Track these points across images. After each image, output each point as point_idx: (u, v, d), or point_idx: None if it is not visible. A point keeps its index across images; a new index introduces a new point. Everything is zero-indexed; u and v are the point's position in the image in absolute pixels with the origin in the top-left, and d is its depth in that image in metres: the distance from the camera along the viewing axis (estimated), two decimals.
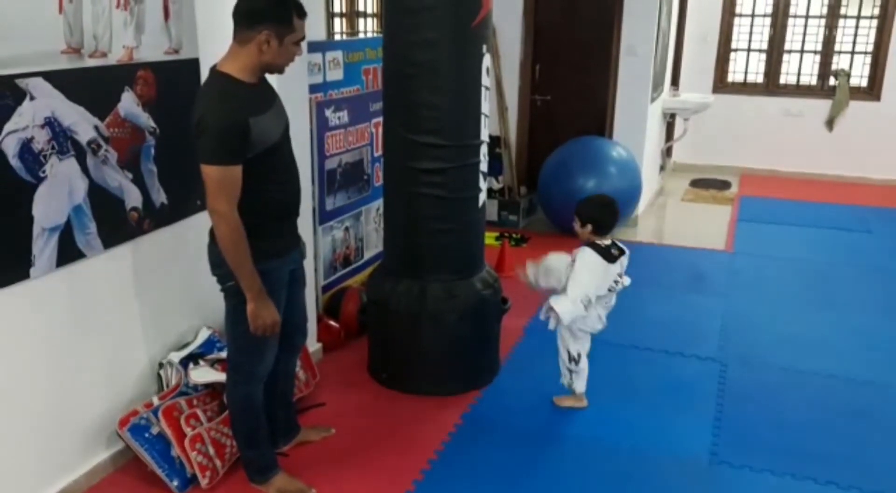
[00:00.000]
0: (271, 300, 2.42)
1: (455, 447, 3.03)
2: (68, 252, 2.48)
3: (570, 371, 3.31)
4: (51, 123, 2.34)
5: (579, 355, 3.26)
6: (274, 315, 2.43)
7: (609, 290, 3.16)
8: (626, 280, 3.22)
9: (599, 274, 3.10)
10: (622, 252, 3.17)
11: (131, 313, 2.83)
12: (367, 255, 4.49)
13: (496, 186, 6.20)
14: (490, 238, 5.13)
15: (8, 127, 2.20)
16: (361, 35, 5.57)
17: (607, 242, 3.14)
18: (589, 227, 3.11)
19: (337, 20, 5.21)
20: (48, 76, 2.31)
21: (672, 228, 6.40)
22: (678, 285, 4.88)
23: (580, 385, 3.33)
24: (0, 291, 2.27)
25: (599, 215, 3.13)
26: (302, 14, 2.35)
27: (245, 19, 2.28)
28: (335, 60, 4.09)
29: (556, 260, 3.22)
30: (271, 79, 2.70)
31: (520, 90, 6.37)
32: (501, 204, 6.10)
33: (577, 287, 3.06)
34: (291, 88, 3.17)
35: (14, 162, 2.24)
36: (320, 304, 3.95)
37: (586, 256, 3.09)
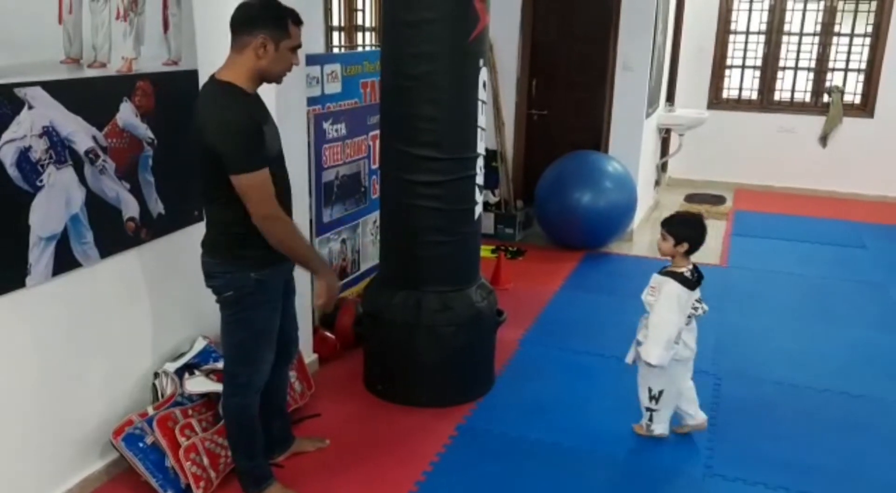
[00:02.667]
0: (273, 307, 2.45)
1: (450, 459, 3.02)
2: (65, 261, 2.48)
3: (650, 411, 3.12)
4: (49, 133, 2.36)
5: (661, 394, 3.07)
6: (338, 284, 2.55)
7: (689, 317, 3.01)
8: (705, 307, 3.10)
9: (684, 306, 2.96)
10: (701, 277, 3.04)
11: (127, 322, 2.83)
12: (364, 266, 4.50)
13: (493, 199, 6.22)
14: (486, 251, 5.15)
15: (6, 136, 2.21)
16: (360, 49, 5.60)
17: (689, 266, 3.01)
18: (685, 246, 2.96)
19: (336, 34, 5.24)
20: (47, 86, 2.33)
21: None
22: None
23: (660, 427, 3.14)
24: None
25: (697, 235, 2.99)
26: (297, 21, 2.39)
27: (242, 25, 2.32)
28: (333, 73, 4.12)
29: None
30: (271, 91, 2.74)
31: (517, 105, 6.41)
32: (498, 217, 6.12)
33: (664, 329, 2.91)
34: (289, 100, 3.19)
35: (11, 171, 2.25)
36: (316, 315, 3.95)
37: (671, 291, 2.93)
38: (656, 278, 3.03)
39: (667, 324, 2.91)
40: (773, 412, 3.46)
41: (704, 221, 3.10)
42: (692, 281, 2.98)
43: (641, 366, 3.08)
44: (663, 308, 2.93)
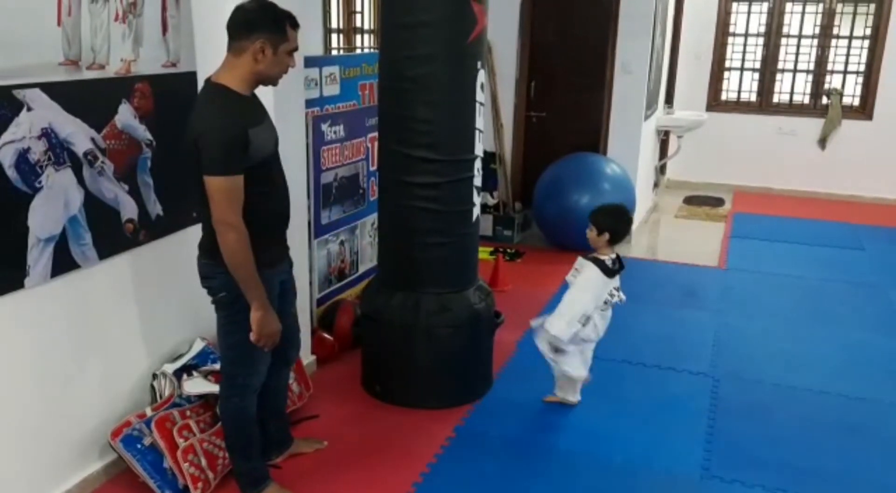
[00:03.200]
0: (273, 310, 2.44)
1: (447, 461, 3.03)
2: (63, 263, 2.49)
3: (554, 362, 3.29)
4: (48, 134, 2.36)
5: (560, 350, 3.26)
6: (277, 325, 2.46)
7: (605, 303, 3.19)
8: (622, 296, 3.25)
9: (599, 291, 3.15)
10: (622, 267, 3.22)
11: (126, 323, 2.83)
12: (363, 268, 4.51)
13: (491, 201, 6.22)
14: (485, 253, 5.15)
15: (5, 137, 2.22)
16: (358, 51, 5.61)
17: (612, 255, 3.19)
18: (606, 236, 3.15)
19: (334, 36, 5.25)
20: (46, 87, 2.34)
21: (665, 244, 6.43)
22: (671, 301, 4.90)
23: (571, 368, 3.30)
24: None
25: (617, 225, 3.18)
26: (295, 24, 2.40)
27: (240, 29, 2.32)
28: (332, 76, 4.12)
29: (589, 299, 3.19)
30: (269, 93, 2.74)
31: (515, 107, 6.42)
32: (496, 219, 6.13)
33: (576, 306, 3.11)
34: (288, 102, 3.20)
35: (10, 172, 2.25)
36: (315, 317, 3.96)
37: (589, 273, 3.14)
38: (580, 261, 3.21)
39: (577, 302, 3.11)
40: (770, 414, 3.46)
41: (629, 212, 3.31)
42: (612, 270, 3.16)
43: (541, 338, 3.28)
44: (579, 288, 3.14)
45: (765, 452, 3.15)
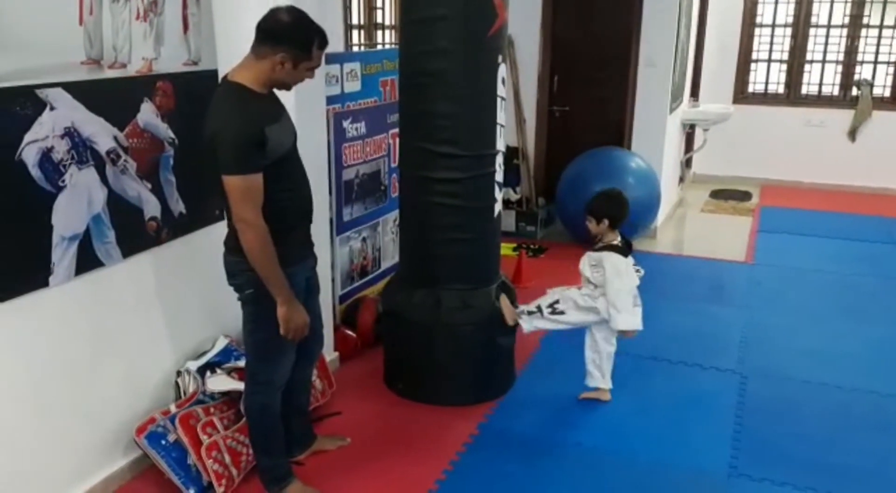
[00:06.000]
0: (300, 303, 2.44)
1: (470, 458, 3.01)
2: (87, 261, 2.51)
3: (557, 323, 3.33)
4: (70, 134, 2.38)
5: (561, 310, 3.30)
6: (304, 317, 2.47)
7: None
8: (641, 270, 3.30)
9: (629, 269, 3.20)
10: (630, 244, 3.29)
11: (150, 321, 2.85)
12: (385, 265, 4.50)
13: (514, 197, 6.19)
14: (507, 249, 5.13)
15: (28, 137, 2.24)
16: (379, 47, 5.61)
17: (617, 238, 3.23)
18: (606, 222, 3.19)
19: (355, 32, 5.25)
20: (68, 87, 2.35)
21: (692, 239, 6.34)
22: (697, 297, 4.83)
23: (609, 380, 3.39)
24: (19, 298, 2.30)
25: (615, 210, 3.22)
26: (323, 44, 2.37)
27: (266, 37, 2.30)
28: (353, 72, 4.12)
29: (562, 298, 3.29)
30: (290, 91, 2.73)
31: (538, 101, 6.37)
32: (519, 215, 6.09)
33: (621, 296, 3.13)
34: (309, 99, 3.19)
35: (34, 171, 2.27)
36: (337, 314, 3.96)
37: (612, 260, 3.15)
38: (593, 256, 3.22)
39: (621, 291, 3.13)
40: (799, 412, 3.40)
41: (623, 194, 3.33)
42: (626, 249, 3.22)
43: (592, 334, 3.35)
44: (614, 278, 3.13)
45: (794, 449, 3.09)
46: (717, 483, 2.88)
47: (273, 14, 2.33)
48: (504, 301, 3.33)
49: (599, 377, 3.41)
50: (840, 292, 4.94)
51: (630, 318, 3.17)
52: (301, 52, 2.31)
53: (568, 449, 3.09)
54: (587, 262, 3.24)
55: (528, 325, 3.31)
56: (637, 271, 3.27)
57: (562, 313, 3.25)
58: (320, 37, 2.36)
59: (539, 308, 3.29)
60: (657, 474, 2.94)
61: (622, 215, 3.25)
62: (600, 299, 3.20)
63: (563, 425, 3.28)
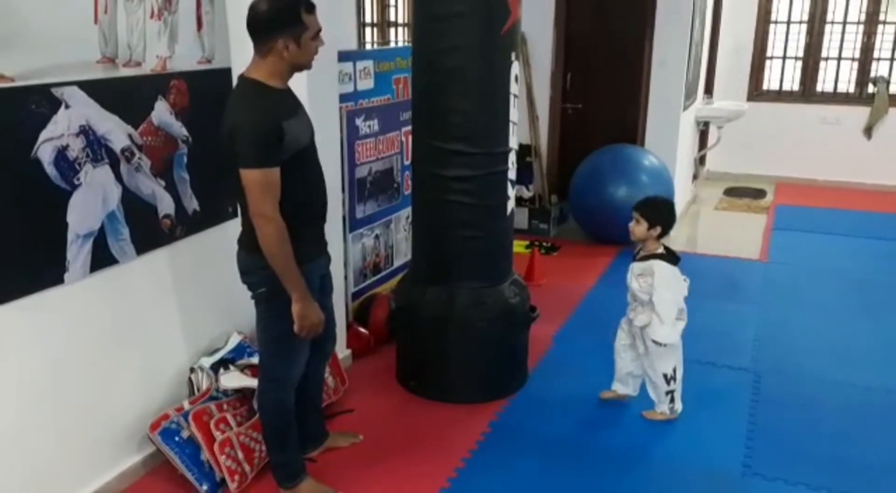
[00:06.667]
0: (314, 301, 2.45)
1: (482, 455, 3.01)
2: (102, 258, 2.53)
3: (671, 393, 3.19)
4: (85, 132, 2.40)
5: (675, 371, 3.17)
6: (319, 315, 2.46)
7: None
8: (687, 280, 3.18)
9: (679, 283, 3.09)
10: (678, 255, 3.16)
11: (164, 318, 2.87)
12: (397, 262, 4.51)
13: (527, 194, 6.18)
14: (520, 246, 5.12)
15: (44, 135, 2.26)
16: (392, 45, 5.61)
17: (661, 247, 3.12)
18: (658, 229, 3.07)
19: (368, 30, 5.26)
20: (83, 85, 2.37)
21: (706, 236, 6.31)
22: (711, 294, 4.80)
23: (679, 403, 3.24)
24: (35, 295, 2.32)
25: (670, 219, 3.13)
26: (310, 8, 2.34)
27: (258, 33, 2.30)
28: (366, 70, 4.12)
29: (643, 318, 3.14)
30: (303, 89, 2.74)
31: (551, 99, 6.36)
32: (532, 212, 6.08)
33: (667, 307, 3.03)
34: (322, 97, 3.20)
35: (49, 169, 2.29)
36: (350, 311, 3.97)
37: (663, 271, 3.04)
38: (640, 266, 3.11)
39: (667, 303, 3.04)
40: (814, 410, 3.38)
41: (673, 205, 3.25)
42: (677, 258, 3.11)
43: (649, 355, 3.17)
44: (663, 289, 3.03)
45: (808, 449, 3.07)
46: (731, 482, 2.87)
47: (252, 9, 2.31)
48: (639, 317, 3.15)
49: (657, 402, 3.26)
50: (855, 290, 4.89)
51: (670, 332, 3.06)
52: (293, 27, 2.29)
53: (581, 447, 3.09)
54: (633, 272, 3.13)
55: (675, 335, 3.11)
56: (684, 280, 3.14)
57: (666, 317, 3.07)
58: (304, 2, 2.32)
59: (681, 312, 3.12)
60: (670, 472, 2.93)
61: (672, 226, 3.15)
62: (641, 314, 3.11)
63: (576, 422, 3.27)
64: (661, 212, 3.11)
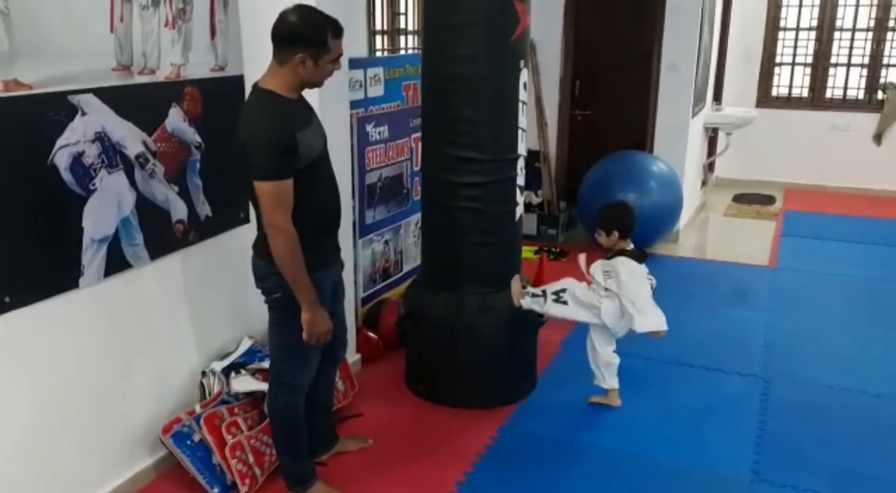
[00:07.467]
0: (324, 309, 2.47)
1: (491, 461, 3.02)
2: (116, 263, 2.56)
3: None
4: (101, 138, 2.43)
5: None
6: (328, 324, 2.49)
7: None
8: (653, 279, 3.28)
9: (644, 277, 3.20)
10: (645, 254, 3.31)
11: (176, 322, 2.90)
12: (407, 267, 4.53)
13: (535, 200, 6.19)
14: (529, 252, 5.13)
15: (60, 142, 2.29)
16: (402, 52, 5.64)
17: (630, 245, 3.25)
18: (616, 234, 3.22)
19: (378, 37, 5.29)
20: (99, 93, 2.40)
21: (714, 243, 6.32)
22: (720, 301, 4.81)
23: (613, 381, 3.39)
24: (50, 299, 2.35)
25: (623, 220, 3.26)
26: (338, 33, 2.37)
27: (281, 42, 2.33)
28: (376, 77, 4.16)
29: (569, 288, 3.27)
30: (314, 96, 2.77)
31: (559, 105, 6.37)
32: (541, 218, 6.10)
33: (641, 297, 3.13)
34: (333, 103, 3.23)
35: (66, 175, 2.32)
36: (359, 316, 3.99)
37: (628, 266, 3.16)
38: (606, 264, 3.22)
39: (639, 293, 3.13)
40: (823, 417, 3.38)
41: (627, 205, 3.41)
42: (640, 256, 3.24)
43: (591, 332, 3.37)
44: (630, 282, 3.13)
45: (817, 456, 3.07)
46: (740, 489, 2.87)
47: (281, 18, 2.34)
48: (515, 281, 3.33)
49: (601, 377, 3.40)
50: (865, 297, 4.89)
51: (654, 319, 3.13)
52: (317, 47, 2.32)
53: (589, 453, 3.10)
54: (600, 268, 3.23)
55: (526, 303, 3.28)
56: (649, 279, 3.25)
57: (564, 303, 3.23)
58: (333, 27, 2.35)
59: (544, 293, 3.28)
60: (679, 479, 2.93)
61: (630, 225, 3.25)
62: (606, 301, 3.18)
63: (585, 429, 3.28)
64: (610, 217, 3.27)
